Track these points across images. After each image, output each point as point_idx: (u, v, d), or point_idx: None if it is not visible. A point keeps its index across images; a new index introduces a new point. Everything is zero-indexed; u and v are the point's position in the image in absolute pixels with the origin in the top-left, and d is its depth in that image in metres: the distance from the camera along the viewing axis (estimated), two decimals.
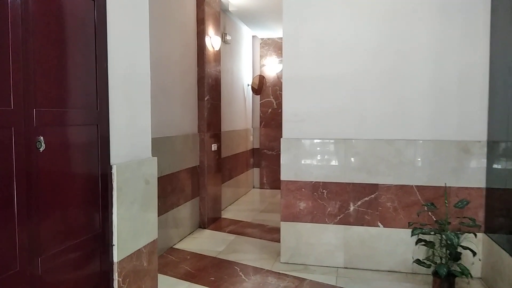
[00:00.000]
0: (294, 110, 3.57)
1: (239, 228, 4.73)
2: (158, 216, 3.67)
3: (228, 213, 5.46)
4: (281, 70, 7.34)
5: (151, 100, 3.50)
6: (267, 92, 7.31)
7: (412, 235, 3.04)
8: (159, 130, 3.76)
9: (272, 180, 7.36)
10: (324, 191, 3.53)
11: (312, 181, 3.54)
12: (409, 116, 3.34)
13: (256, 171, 7.49)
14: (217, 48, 4.97)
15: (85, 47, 1.84)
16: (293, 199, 3.59)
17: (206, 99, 4.72)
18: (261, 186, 7.44)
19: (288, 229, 3.61)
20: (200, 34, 4.67)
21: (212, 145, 4.91)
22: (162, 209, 3.80)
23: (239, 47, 6.60)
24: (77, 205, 1.82)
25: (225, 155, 5.79)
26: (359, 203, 3.47)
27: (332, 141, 3.51)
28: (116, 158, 2.01)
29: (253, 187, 7.49)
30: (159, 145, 3.73)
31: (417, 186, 3.32)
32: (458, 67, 3.23)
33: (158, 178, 3.77)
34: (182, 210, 4.28)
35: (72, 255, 1.78)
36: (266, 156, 7.38)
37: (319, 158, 3.54)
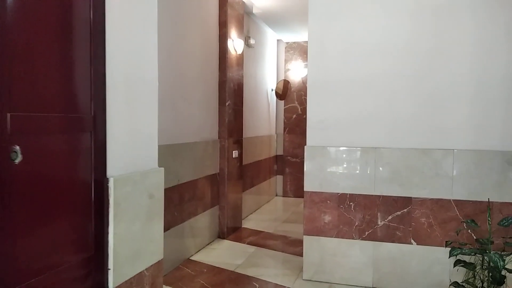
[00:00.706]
0: (319, 115, 3.33)
1: (260, 240, 4.51)
2: (175, 226, 3.51)
3: (249, 223, 5.25)
4: (306, 74, 7.13)
5: (169, 105, 3.34)
6: (292, 98, 7.08)
7: (450, 256, 2.74)
8: (177, 136, 3.59)
9: (296, 188, 7.10)
10: (351, 203, 3.26)
11: (338, 193, 3.28)
12: (446, 123, 3.04)
13: (279, 178, 7.25)
14: (240, 52, 4.79)
15: (78, 44, 1.66)
16: (318, 211, 3.34)
17: (227, 104, 4.54)
18: (284, 194, 7.20)
19: (311, 244, 3.36)
20: (222, 37, 4.51)
21: (233, 151, 4.72)
22: (179, 218, 3.62)
23: (263, 51, 6.41)
24: (64, 225, 1.60)
25: (246, 162, 5.59)
26: (389, 217, 3.18)
27: (360, 149, 3.24)
28: (114, 169, 1.81)
29: (276, 195, 7.26)
30: (177, 151, 3.56)
31: (455, 201, 3.01)
32: (503, 68, 2.91)
33: (174, 186, 3.63)
34: (201, 219, 4.10)
35: (57, 283, 1.54)
36: (290, 163, 7.13)
37: (346, 167, 3.28)
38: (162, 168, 2.30)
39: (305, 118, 7.07)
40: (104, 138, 1.76)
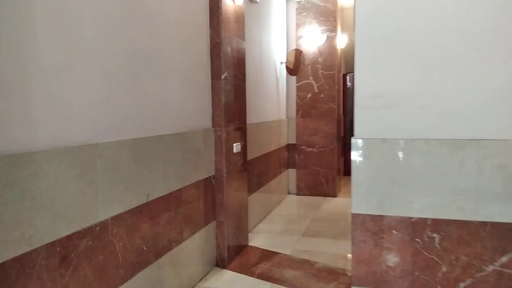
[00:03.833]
0: (376, 88, 1.97)
1: (274, 268, 3.20)
2: (144, 268, 2.18)
3: (258, 238, 3.94)
4: (324, 42, 5.72)
5: (126, 79, 2.04)
6: (306, 72, 5.68)
7: None
8: (142, 126, 2.25)
9: (312, 184, 5.78)
10: (434, 235, 1.93)
11: (412, 218, 1.95)
12: None
13: (292, 173, 5.92)
14: (239, 2, 3.39)
15: None
16: (376, 247, 2.01)
17: (223, 77, 3.17)
18: (299, 192, 5.87)
19: None
20: None
21: (234, 145, 3.38)
22: (150, 256, 2.30)
23: (269, 11, 5.00)
24: None
25: (252, 156, 4.25)
26: (503, 259, 1.85)
27: (449, 142, 1.90)
28: None
29: (288, 193, 5.94)
30: (143, 150, 2.22)
31: None
32: None
33: (139, 207, 2.30)
34: (188, 246, 2.78)
35: None
36: (304, 153, 5.79)
37: (425, 174, 1.93)
38: None
39: (323, 98, 5.68)
40: None
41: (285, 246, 3.70)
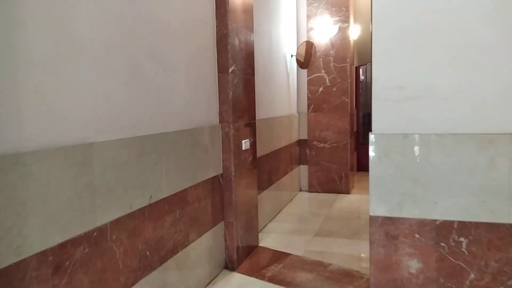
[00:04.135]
0: (397, 78, 1.80)
1: (285, 271, 3.05)
2: (148, 275, 2.04)
3: (269, 238, 3.80)
4: (336, 33, 5.52)
5: (129, 72, 1.92)
6: (317, 65, 5.50)
7: None
8: (146, 122, 2.12)
9: (325, 180, 5.61)
10: (461, 239, 1.76)
11: (437, 220, 1.78)
12: None
13: (303, 169, 5.75)
14: None
15: None
16: (396, 253, 1.85)
17: (231, 70, 3.02)
18: (310, 189, 5.71)
19: None
20: None
21: (243, 141, 3.23)
22: (155, 260, 2.17)
23: (279, 2, 4.82)
24: None
25: (262, 152, 4.10)
26: None
27: (479, 138, 1.72)
28: None
29: (300, 190, 5.78)
30: (148, 148, 2.09)
31: None
32: None
33: (141, 209, 2.17)
34: (195, 249, 2.65)
35: None
36: (316, 149, 5.61)
37: (450, 173, 1.76)
38: None
39: (335, 92, 5.49)
40: None
41: (297, 246, 3.55)
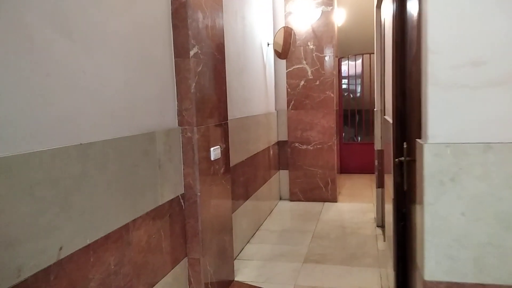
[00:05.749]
0: (472, 49, 1.06)
1: None
2: None
3: (247, 268, 3.02)
4: (319, 18, 4.78)
5: (9, 52, 0.99)
6: (297, 55, 4.76)
7: None
8: (49, 132, 1.29)
9: (308, 187, 4.89)
10: None
11: None
12: None
13: (283, 175, 5.01)
14: None
15: None
16: None
17: (193, 53, 2.21)
18: (292, 197, 4.97)
19: None
20: None
21: (212, 149, 2.44)
22: None
23: None
24: None
25: (236, 161, 3.32)
26: None
27: None
28: None
29: (280, 199, 5.04)
30: (45, 175, 1.25)
31: None
32: None
33: (49, 267, 1.29)
34: None
35: None
36: (298, 152, 4.88)
37: None
38: None
39: (318, 85, 4.74)
40: None
41: (283, 279, 2.80)
